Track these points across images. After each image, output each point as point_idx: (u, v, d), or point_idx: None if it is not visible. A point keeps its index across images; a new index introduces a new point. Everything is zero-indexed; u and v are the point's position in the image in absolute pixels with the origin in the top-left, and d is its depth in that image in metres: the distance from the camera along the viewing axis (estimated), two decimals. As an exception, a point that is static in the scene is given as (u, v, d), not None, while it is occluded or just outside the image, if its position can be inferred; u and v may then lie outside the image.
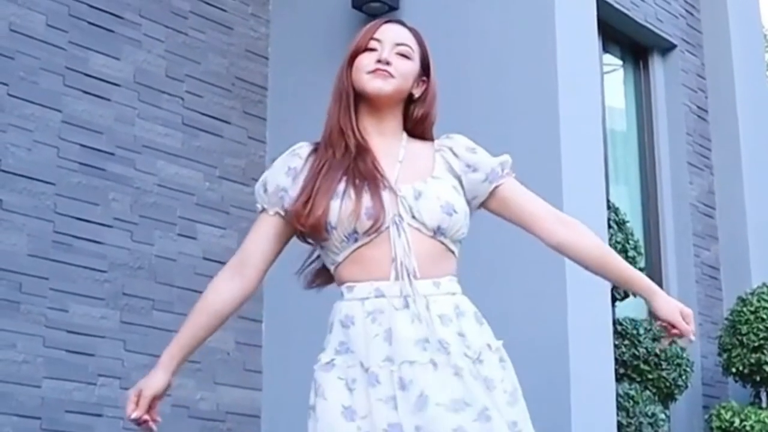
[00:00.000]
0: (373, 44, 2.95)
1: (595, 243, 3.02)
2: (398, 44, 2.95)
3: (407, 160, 2.93)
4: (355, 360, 2.73)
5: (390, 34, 2.97)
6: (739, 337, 6.90)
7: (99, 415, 5.63)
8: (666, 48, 7.92)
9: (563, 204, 5.44)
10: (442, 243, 2.84)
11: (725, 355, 6.99)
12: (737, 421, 6.59)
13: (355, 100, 2.94)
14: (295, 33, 6.88)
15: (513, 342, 5.76)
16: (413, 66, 2.97)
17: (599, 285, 5.63)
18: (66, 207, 5.70)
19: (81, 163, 5.81)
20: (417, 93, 3.00)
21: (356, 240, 2.79)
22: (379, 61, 2.91)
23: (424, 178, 2.88)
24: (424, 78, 3.02)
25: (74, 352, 5.60)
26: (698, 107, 8.01)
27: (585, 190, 5.73)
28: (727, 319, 7.14)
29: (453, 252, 2.88)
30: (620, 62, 7.89)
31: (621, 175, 7.73)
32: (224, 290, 2.99)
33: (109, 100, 6.01)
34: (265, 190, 2.98)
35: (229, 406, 6.20)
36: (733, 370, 6.93)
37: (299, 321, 6.15)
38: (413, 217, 2.81)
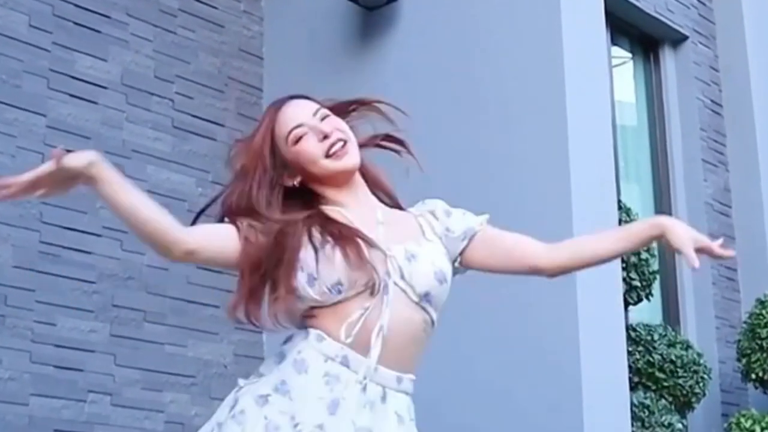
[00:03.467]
0: (296, 132, 2.87)
1: (584, 237, 3.05)
2: (315, 114, 2.89)
3: (388, 224, 2.88)
4: (289, 408, 2.67)
5: (296, 113, 2.90)
6: (759, 341, 6.89)
7: (90, 433, 5.64)
8: (677, 39, 7.92)
9: (572, 204, 5.44)
10: (426, 313, 2.79)
11: (744, 361, 6.98)
12: (758, 430, 6.58)
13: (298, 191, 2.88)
14: (290, 30, 6.88)
15: (521, 350, 5.77)
16: (337, 118, 2.92)
17: (611, 289, 5.64)
18: (52, 216, 5.71)
19: (67, 170, 5.80)
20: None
21: (339, 293, 2.72)
22: (325, 138, 2.85)
23: (416, 239, 2.85)
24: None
25: (62, 367, 5.60)
26: (712, 101, 8.01)
27: (594, 189, 5.73)
28: (745, 322, 7.13)
29: (431, 330, 2.83)
30: (629, 55, 7.90)
31: (632, 174, 7.74)
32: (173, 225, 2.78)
33: (96, 103, 6.01)
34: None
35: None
36: (753, 376, 6.92)
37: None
38: (401, 277, 2.76)
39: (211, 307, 6.21)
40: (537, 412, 5.21)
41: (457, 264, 2.93)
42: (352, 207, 2.87)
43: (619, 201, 6.37)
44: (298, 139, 2.86)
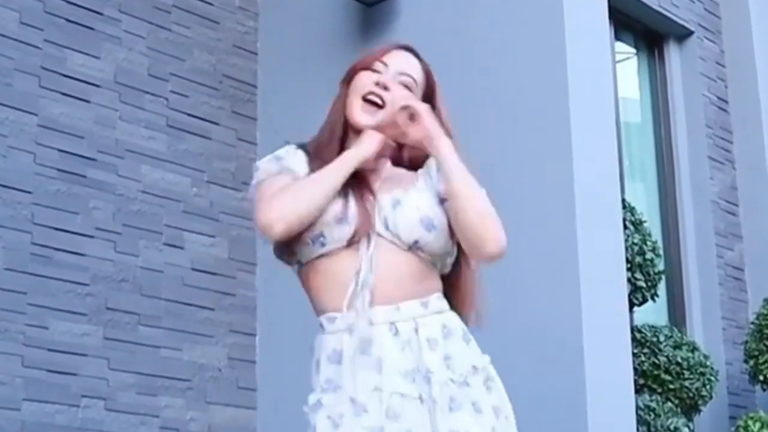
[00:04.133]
0: (378, 66, 2.99)
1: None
2: (402, 73, 2.99)
3: (390, 179, 2.96)
4: (343, 396, 2.76)
5: (397, 61, 3.01)
6: (767, 343, 6.88)
7: (83, 439, 5.63)
8: (682, 35, 7.92)
9: (575, 204, 5.43)
10: (421, 258, 2.85)
11: (752, 362, 6.97)
12: (766, 433, 6.58)
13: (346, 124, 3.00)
14: (286, 26, 6.87)
15: (524, 352, 5.76)
16: (412, 96, 2.99)
17: (615, 290, 5.63)
18: (44, 217, 5.70)
19: (60, 170, 5.80)
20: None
21: (323, 245, 2.81)
22: (377, 84, 2.95)
23: (405, 188, 2.91)
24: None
25: (55, 371, 5.58)
26: (718, 97, 8.01)
27: (598, 188, 5.72)
28: (753, 323, 7.12)
29: (436, 267, 2.89)
30: (633, 50, 7.89)
31: (636, 172, 7.73)
32: None
33: (88, 101, 6.00)
34: (280, 160, 3.03)
35: (222, 426, 6.19)
36: (761, 377, 6.92)
37: (295, 334, 6.11)
38: (386, 228, 2.82)
39: (207, 309, 6.20)
40: (540, 416, 5.20)
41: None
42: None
43: (623, 200, 6.36)
44: (370, 70, 2.99)
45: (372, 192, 2.88)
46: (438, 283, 2.90)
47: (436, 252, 2.87)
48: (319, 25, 6.69)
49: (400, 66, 3.00)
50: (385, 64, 2.99)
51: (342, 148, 2.97)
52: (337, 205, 2.81)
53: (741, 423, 6.73)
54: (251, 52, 6.86)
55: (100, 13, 6.15)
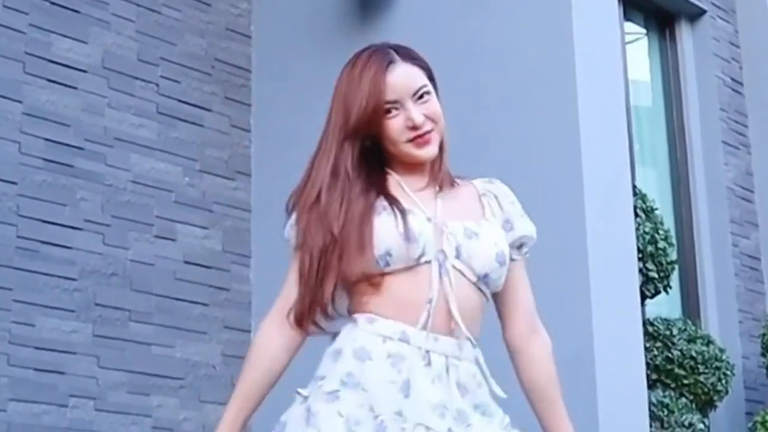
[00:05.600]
0: (387, 106, 2.89)
1: (546, 373, 3.03)
2: (414, 93, 2.91)
3: (449, 199, 2.92)
4: (365, 400, 2.69)
5: (399, 85, 2.90)
6: (785, 335, 6.91)
7: (72, 440, 5.64)
8: (695, 14, 7.91)
9: (584, 191, 5.42)
10: (482, 294, 2.85)
11: (769, 355, 7.00)
12: (784, 428, 6.60)
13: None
14: (281, 8, 6.86)
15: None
16: (434, 98, 2.96)
17: (626, 281, 5.63)
18: (30, 209, 5.69)
19: (46, 160, 5.80)
20: None
21: (387, 264, 2.76)
22: (413, 128, 2.88)
23: (476, 219, 2.89)
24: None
25: (42, 370, 5.59)
26: (732, 79, 8.00)
27: (608, 174, 5.71)
28: (770, 314, 7.15)
29: (484, 301, 2.88)
30: (644, 31, 7.88)
31: (648, 157, 7.73)
32: (270, 352, 2.93)
33: (75, 88, 6.00)
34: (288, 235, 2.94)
35: (216, 425, 6.18)
36: (779, 371, 6.94)
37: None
38: (457, 257, 2.79)
39: (200, 305, 6.21)
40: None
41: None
42: (415, 177, 2.92)
43: (635, 187, 6.36)
44: (387, 112, 2.89)
45: (434, 212, 2.84)
46: (479, 327, 2.87)
47: (497, 287, 2.88)
48: (315, 6, 6.68)
49: (406, 88, 2.90)
50: (394, 101, 2.88)
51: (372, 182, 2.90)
52: (395, 222, 2.77)
53: (758, 419, 6.74)
54: (244, 35, 6.85)
55: (87, -4, 6.15)
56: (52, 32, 5.96)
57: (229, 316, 6.34)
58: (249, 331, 6.41)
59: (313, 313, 2.82)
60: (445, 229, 2.81)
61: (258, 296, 6.39)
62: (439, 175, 2.95)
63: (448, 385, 2.73)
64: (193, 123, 6.47)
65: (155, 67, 6.36)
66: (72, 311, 5.75)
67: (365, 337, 2.76)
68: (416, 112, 2.88)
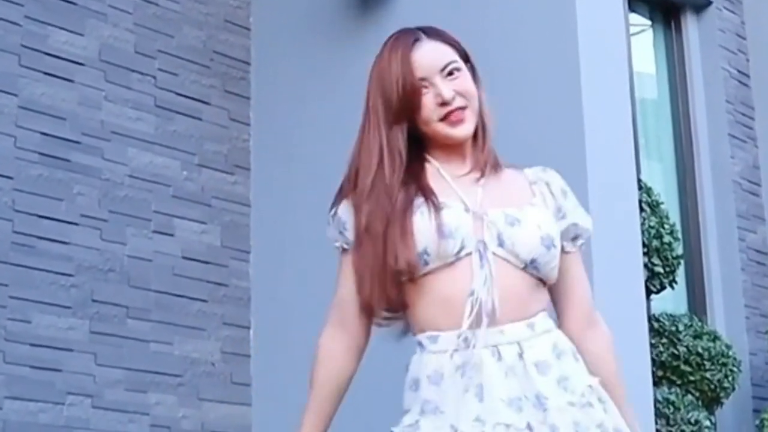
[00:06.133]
0: (418, 85, 2.88)
1: (602, 371, 2.97)
2: (443, 69, 2.91)
3: (492, 185, 2.89)
4: (444, 421, 2.69)
5: (426, 62, 2.91)
6: (792, 331, 6.91)
7: (69, 439, 5.63)
8: (700, 5, 7.90)
9: (587, 185, 5.41)
10: (532, 276, 2.81)
11: (777, 352, 6.99)
12: (792, 426, 6.59)
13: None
14: (279, 0, 6.85)
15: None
16: (467, 75, 2.96)
17: (631, 276, 5.62)
18: (26, 203, 5.69)
19: (42, 154, 5.79)
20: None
21: (426, 263, 2.75)
22: (443, 104, 2.87)
23: (519, 205, 2.86)
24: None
25: (39, 368, 5.58)
26: (739, 71, 7.99)
27: (612, 168, 5.70)
28: (777, 310, 7.14)
29: (544, 283, 2.85)
30: (649, 22, 7.87)
31: (653, 151, 7.72)
32: (336, 355, 2.92)
33: (72, 81, 5.99)
34: (340, 228, 2.92)
35: (216, 424, 6.19)
36: (786, 368, 6.93)
37: (291, 326, 6.13)
38: (500, 245, 2.76)
39: (199, 301, 6.20)
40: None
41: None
42: (455, 163, 2.91)
43: (640, 180, 6.35)
44: (408, 98, 2.87)
45: (466, 204, 2.81)
46: (544, 302, 2.85)
47: (550, 272, 2.83)
48: (316, -3, 6.67)
49: (432, 65, 2.91)
50: (421, 78, 2.88)
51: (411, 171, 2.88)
52: (430, 219, 2.75)
53: (766, 416, 6.74)
54: (244, 28, 6.84)
55: (83, -13, 6.14)
56: (48, 24, 5.95)
57: (228, 312, 6.33)
58: (248, 328, 6.40)
59: (382, 302, 2.80)
60: (485, 218, 2.78)
61: (257, 292, 6.38)
62: (482, 158, 2.93)
63: (525, 370, 2.71)
64: (192, 116, 6.46)
65: (153, 59, 6.35)
66: (68, 308, 5.74)
67: (434, 359, 2.75)
68: (445, 88, 2.87)
